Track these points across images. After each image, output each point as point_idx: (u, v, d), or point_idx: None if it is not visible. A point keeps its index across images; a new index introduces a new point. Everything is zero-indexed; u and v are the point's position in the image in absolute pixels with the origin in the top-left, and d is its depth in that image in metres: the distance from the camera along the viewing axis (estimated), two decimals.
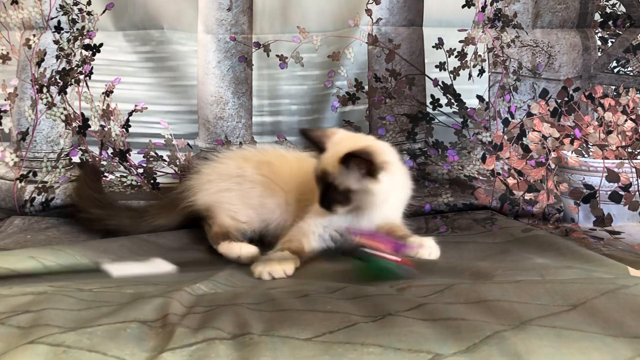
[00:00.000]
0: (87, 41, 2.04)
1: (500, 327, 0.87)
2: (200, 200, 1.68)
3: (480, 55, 2.10)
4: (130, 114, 2.05)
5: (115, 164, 2.03)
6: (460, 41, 2.10)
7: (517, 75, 2.12)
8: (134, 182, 2.03)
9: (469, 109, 2.10)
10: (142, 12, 2.04)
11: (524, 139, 2.09)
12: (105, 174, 2.02)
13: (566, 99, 2.11)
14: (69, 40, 2.04)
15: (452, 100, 2.09)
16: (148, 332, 0.89)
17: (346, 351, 0.82)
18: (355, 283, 1.15)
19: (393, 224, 1.51)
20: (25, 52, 2.03)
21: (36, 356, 0.81)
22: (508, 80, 2.11)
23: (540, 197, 2.04)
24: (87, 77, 2.04)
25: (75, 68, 2.04)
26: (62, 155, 2.02)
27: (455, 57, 2.10)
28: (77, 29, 2.04)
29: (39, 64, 2.03)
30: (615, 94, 2.10)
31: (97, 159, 2.03)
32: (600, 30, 2.12)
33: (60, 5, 2.02)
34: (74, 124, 2.03)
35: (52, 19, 2.03)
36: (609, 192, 2.04)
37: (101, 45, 2.04)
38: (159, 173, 2.04)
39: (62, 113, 2.03)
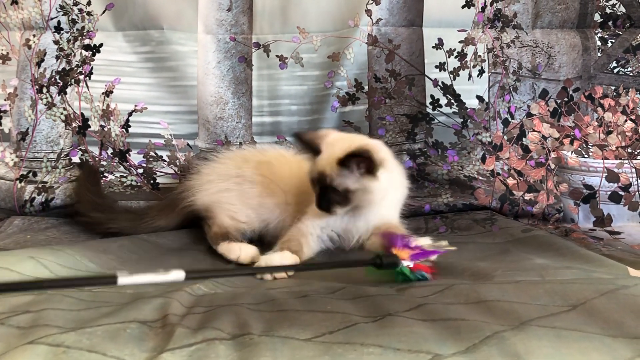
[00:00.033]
0: (87, 41, 2.04)
1: (499, 327, 0.87)
2: (199, 201, 1.68)
3: (480, 56, 2.11)
4: (130, 114, 2.05)
5: (115, 164, 2.03)
6: (460, 41, 2.10)
7: (516, 75, 2.12)
8: (133, 183, 2.03)
9: (468, 110, 2.10)
10: (142, 12, 2.04)
11: (523, 139, 2.09)
12: (105, 175, 2.02)
13: (566, 99, 2.11)
14: (68, 41, 2.04)
15: (452, 101, 2.10)
16: (148, 333, 0.89)
17: (346, 351, 0.82)
18: (358, 284, 1.15)
19: (391, 224, 1.50)
20: (25, 52, 2.03)
21: (36, 356, 0.81)
22: (508, 80, 2.11)
23: (540, 197, 2.04)
24: (87, 78, 2.04)
25: (75, 68, 2.04)
26: (62, 156, 2.02)
27: (455, 57, 2.10)
28: (77, 29, 2.04)
29: (38, 64, 2.03)
30: (615, 94, 2.10)
31: (97, 159, 2.03)
32: (600, 30, 2.12)
33: (60, 5, 2.02)
34: (73, 124, 2.03)
35: (52, 19, 2.03)
36: (608, 193, 2.04)
37: (101, 45, 2.04)
38: (158, 173, 2.04)
39: (62, 113, 2.03)
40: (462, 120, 2.09)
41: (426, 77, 2.10)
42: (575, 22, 2.13)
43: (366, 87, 2.09)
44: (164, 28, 2.05)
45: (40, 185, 1.99)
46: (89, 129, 2.03)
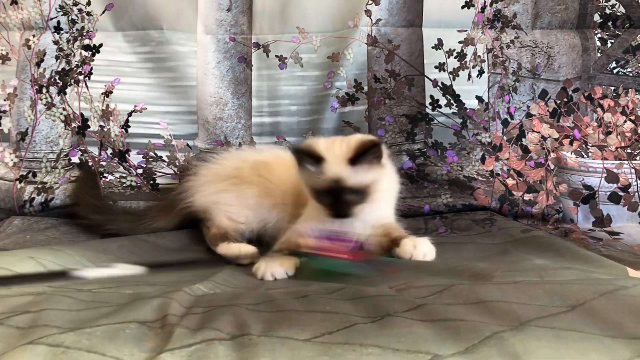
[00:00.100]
0: (86, 41, 2.04)
1: (499, 327, 0.87)
2: (197, 202, 1.68)
3: (479, 56, 2.11)
4: (130, 114, 2.05)
5: (114, 164, 2.03)
6: (459, 42, 2.10)
7: (516, 76, 2.12)
8: (133, 183, 2.03)
9: (468, 110, 2.10)
10: (141, 12, 2.04)
11: (523, 139, 2.10)
12: (105, 175, 2.02)
13: (565, 99, 2.11)
14: (68, 41, 2.04)
15: (452, 101, 2.10)
16: (147, 333, 0.89)
17: (345, 352, 0.82)
18: (358, 284, 1.15)
19: (388, 225, 1.50)
20: (24, 52, 2.03)
21: (35, 356, 0.81)
22: (507, 81, 2.12)
23: (540, 197, 2.04)
24: (87, 78, 2.04)
25: (75, 68, 2.04)
26: (62, 156, 2.02)
27: (455, 57, 2.10)
28: (77, 30, 2.04)
29: (38, 65, 2.03)
30: (614, 94, 2.11)
31: (96, 159, 2.03)
32: (599, 31, 2.13)
33: (59, 5, 2.02)
34: (73, 125, 2.03)
35: (51, 19, 2.03)
36: (608, 193, 2.04)
37: (101, 45, 2.04)
38: (158, 173, 2.04)
39: (61, 113, 2.03)
40: (461, 120, 2.09)
41: (426, 78, 2.10)
42: (574, 22, 2.13)
43: (366, 88, 2.09)
44: (164, 28, 2.05)
45: (39, 186, 1.99)
46: (88, 129, 2.03)
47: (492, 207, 2.03)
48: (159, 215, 1.76)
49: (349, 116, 2.09)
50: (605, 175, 2.05)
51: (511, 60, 2.12)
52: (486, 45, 2.11)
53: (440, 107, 2.10)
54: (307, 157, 1.39)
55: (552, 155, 2.08)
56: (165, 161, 2.05)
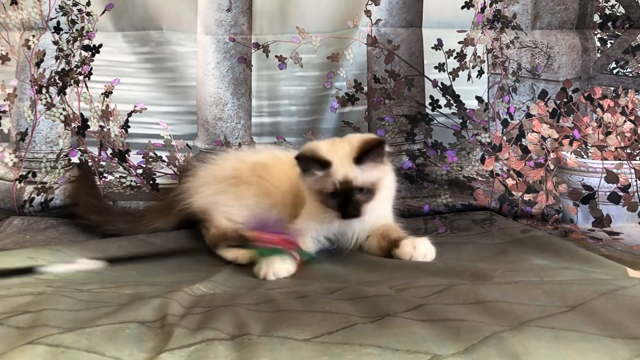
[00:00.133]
0: (86, 42, 2.04)
1: (498, 327, 0.87)
2: (196, 203, 1.68)
3: (479, 57, 2.11)
4: (130, 114, 2.05)
5: (114, 164, 2.03)
6: (459, 42, 2.10)
7: (516, 76, 2.12)
8: (133, 183, 2.03)
9: (468, 110, 2.10)
10: (141, 12, 2.04)
11: (523, 139, 2.10)
12: (105, 175, 2.02)
13: (565, 100, 2.11)
14: (68, 41, 2.04)
15: (451, 101, 2.10)
16: (147, 333, 0.89)
17: (345, 352, 0.83)
18: (357, 284, 1.15)
19: (387, 225, 1.50)
20: (24, 52, 2.03)
21: (35, 357, 0.81)
22: (507, 81, 2.12)
23: (539, 197, 2.04)
24: (87, 78, 2.04)
25: (75, 69, 2.04)
26: (61, 156, 2.02)
27: (455, 58, 2.10)
28: (77, 30, 2.04)
29: (38, 65, 2.03)
30: (614, 95, 2.11)
31: (96, 159, 2.03)
32: (599, 31, 2.13)
33: (59, 5, 2.02)
34: (73, 125, 2.03)
35: (51, 19, 2.03)
36: (607, 193, 2.04)
37: (100, 46, 2.04)
38: (158, 174, 2.04)
39: (61, 114, 2.03)
40: (461, 120, 2.10)
41: (425, 78, 2.10)
42: (574, 23, 2.13)
43: (365, 88, 2.10)
44: (164, 29, 2.05)
45: (39, 186, 1.99)
46: (88, 130, 2.04)
47: (492, 207, 2.03)
48: (157, 216, 1.77)
49: (349, 116, 2.09)
50: (605, 175, 2.05)
51: (511, 61, 2.12)
52: (486, 46, 2.11)
53: (440, 107, 2.10)
54: (313, 163, 1.39)
55: (552, 155, 2.08)
56: (165, 161, 2.05)
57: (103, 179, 2.02)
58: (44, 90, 2.02)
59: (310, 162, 1.40)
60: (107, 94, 2.04)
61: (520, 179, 2.06)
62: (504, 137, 2.10)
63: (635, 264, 1.39)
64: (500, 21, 2.11)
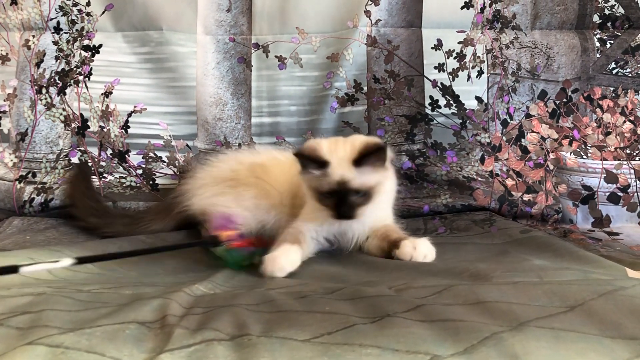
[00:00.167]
0: (86, 42, 2.04)
1: (498, 328, 0.87)
2: (195, 205, 1.68)
3: (479, 57, 2.11)
4: (130, 114, 2.05)
5: (114, 165, 2.04)
6: (459, 42, 2.10)
7: (515, 76, 2.12)
8: (133, 183, 2.03)
9: (467, 110, 2.10)
10: (141, 13, 2.04)
11: (522, 140, 2.10)
12: (104, 175, 2.02)
13: (565, 100, 2.11)
14: (68, 41, 2.04)
15: (451, 102, 2.10)
16: (147, 333, 0.89)
17: (344, 352, 0.83)
18: (357, 284, 1.15)
19: (387, 226, 1.50)
20: (24, 53, 2.03)
21: (35, 357, 0.81)
22: (507, 81, 2.12)
23: (539, 198, 2.04)
24: (86, 78, 2.04)
25: (75, 69, 2.04)
26: (61, 156, 2.02)
27: (454, 58, 2.10)
28: (77, 30, 2.04)
29: (38, 65, 2.03)
30: (613, 95, 2.11)
31: (96, 160, 2.03)
32: (599, 31, 2.13)
33: (59, 6, 2.03)
34: (73, 125, 2.04)
35: (51, 19, 2.03)
36: (607, 194, 2.04)
37: (100, 46, 2.05)
38: (158, 174, 2.05)
39: (61, 114, 2.03)
40: (461, 121, 2.10)
41: (425, 78, 2.10)
42: (574, 23, 2.14)
43: (365, 88, 2.10)
44: (163, 29, 2.05)
45: (39, 186, 1.99)
46: (88, 130, 2.04)
47: (492, 207, 2.03)
48: (156, 219, 1.76)
49: (349, 116, 2.09)
50: (605, 175, 2.05)
51: (510, 61, 2.12)
52: (485, 46, 2.11)
53: (439, 107, 2.10)
54: (311, 161, 1.39)
55: (552, 155, 2.08)
56: (164, 162, 2.05)
57: (103, 179, 2.02)
58: (43, 91, 2.02)
59: (308, 160, 1.40)
60: (107, 94, 2.04)
61: (520, 179, 2.06)
62: (504, 138, 2.10)
63: (634, 264, 1.39)
64: (500, 21, 2.12)
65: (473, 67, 2.11)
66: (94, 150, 2.03)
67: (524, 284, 1.08)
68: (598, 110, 2.10)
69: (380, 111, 2.10)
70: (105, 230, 1.74)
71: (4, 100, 2.03)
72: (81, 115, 2.04)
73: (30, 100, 2.02)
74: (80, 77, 2.04)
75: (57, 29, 2.04)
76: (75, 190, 1.89)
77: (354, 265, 1.41)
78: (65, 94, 2.03)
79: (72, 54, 2.04)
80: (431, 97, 2.10)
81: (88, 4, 2.03)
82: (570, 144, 2.08)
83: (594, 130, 2.09)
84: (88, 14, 2.04)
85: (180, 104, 2.07)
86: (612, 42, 2.12)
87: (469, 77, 2.11)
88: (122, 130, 2.04)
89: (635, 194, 2.04)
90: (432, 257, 1.41)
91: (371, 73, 2.10)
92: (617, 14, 2.11)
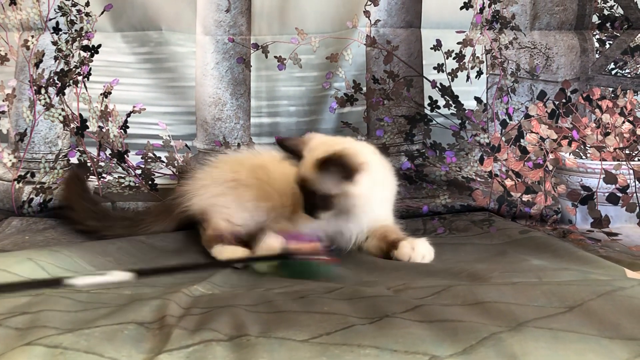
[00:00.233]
0: (85, 42, 2.04)
1: (497, 328, 0.87)
2: (195, 206, 1.68)
3: (478, 57, 2.11)
4: (129, 115, 2.05)
5: (113, 165, 2.03)
6: (458, 43, 2.10)
7: (515, 76, 2.12)
8: (132, 183, 2.03)
9: (466, 111, 2.10)
10: (140, 13, 2.04)
11: (521, 140, 2.10)
12: (104, 175, 2.02)
13: (564, 100, 2.11)
14: (67, 42, 2.04)
15: (450, 102, 2.10)
16: (145, 334, 0.89)
17: (343, 352, 0.83)
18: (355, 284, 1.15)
19: (385, 226, 1.50)
20: (23, 53, 2.03)
21: (33, 357, 0.81)
22: (506, 81, 2.12)
23: (538, 198, 2.04)
24: (86, 78, 2.04)
25: (74, 69, 2.04)
26: (60, 156, 2.02)
27: (453, 58, 2.10)
28: (76, 30, 2.04)
29: (37, 65, 2.03)
30: (612, 95, 2.11)
31: (95, 160, 2.03)
32: (598, 32, 2.13)
33: (58, 6, 2.02)
34: (72, 125, 2.03)
35: (50, 20, 2.03)
36: (606, 194, 2.04)
37: (99, 46, 2.05)
38: (157, 174, 2.04)
39: (60, 114, 2.03)
40: (460, 121, 2.10)
41: (424, 79, 2.10)
42: (573, 23, 2.14)
43: (364, 88, 2.10)
44: (163, 29, 2.05)
45: (38, 186, 1.99)
46: (87, 130, 2.04)
47: (491, 208, 2.03)
48: (156, 220, 1.76)
49: (348, 117, 2.09)
50: (604, 176, 2.05)
51: (510, 61, 2.12)
52: (485, 46, 2.12)
53: (438, 108, 2.10)
54: (288, 152, 1.45)
55: (551, 156, 2.08)
56: (164, 162, 2.05)
57: (102, 179, 2.02)
58: (43, 91, 2.02)
59: (285, 149, 1.46)
60: (106, 94, 2.04)
61: (519, 179, 2.06)
62: (503, 138, 2.10)
63: (633, 264, 1.40)
64: (499, 22, 2.12)
65: (472, 68, 2.11)
66: (93, 151, 2.03)
67: (522, 285, 1.08)
68: (597, 110, 2.10)
69: (379, 111, 2.10)
70: (105, 233, 1.72)
71: (3, 101, 2.02)
72: (80, 115, 2.04)
73: (29, 101, 2.02)
74: (80, 77, 2.04)
75: (56, 29, 2.04)
76: (71, 193, 1.87)
77: (353, 265, 1.41)
78: (64, 94, 2.03)
79: (71, 54, 2.04)
80: (430, 98, 2.10)
81: (87, 4, 2.03)
82: (569, 144, 2.08)
83: (593, 130, 2.09)
84: (87, 14, 2.04)
85: (180, 104, 2.07)
86: (611, 42, 2.12)
87: (468, 77, 2.11)
88: (121, 131, 2.04)
89: (635, 194, 2.04)
90: (430, 257, 1.41)
91: (370, 73, 2.10)
92: (616, 15, 2.11)
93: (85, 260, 1.35)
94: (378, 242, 1.48)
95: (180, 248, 1.64)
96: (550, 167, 2.07)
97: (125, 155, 2.04)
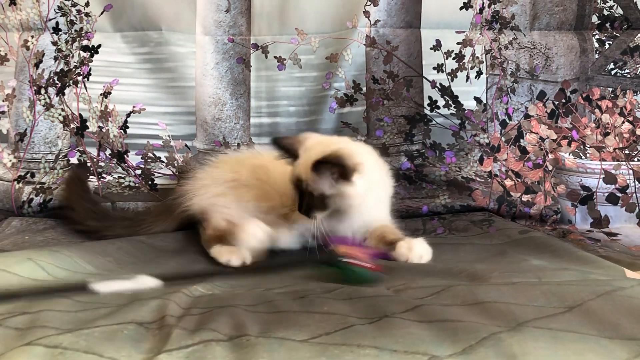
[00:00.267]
0: (85, 42, 2.04)
1: (496, 328, 0.87)
2: (195, 206, 1.68)
3: (477, 57, 2.11)
4: (128, 115, 2.05)
5: (113, 165, 2.03)
6: (458, 43, 2.10)
7: (514, 77, 2.12)
8: (131, 183, 2.03)
9: (466, 111, 2.10)
10: (140, 13, 2.04)
11: (521, 140, 2.10)
12: (103, 175, 2.02)
13: (563, 100, 2.11)
14: (67, 42, 2.04)
15: (450, 102, 2.10)
16: (145, 334, 0.89)
17: (342, 353, 0.83)
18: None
19: (383, 226, 1.50)
20: (23, 53, 2.03)
21: (33, 357, 0.81)
22: (506, 82, 2.12)
23: (538, 198, 2.04)
24: (85, 79, 2.04)
25: (74, 69, 2.04)
26: (60, 156, 2.02)
27: (453, 59, 2.10)
28: (75, 30, 2.04)
29: (37, 65, 2.03)
30: (612, 95, 2.11)
31: (95, 160, 2.03)
32: (597, 32, 2.13)
33: (58, 6, 2.02)
34: (72, 125, 2.03)
35: (50, 20, 2.03)
36: (606, 194, 2.04)
37: (99, 46, 2.05)
38: (157, 174, 2.04)
39: (60, 114, 2.03)
40: (459, 121, 2.10)
41: (424, 79, 2.10)
42: (572, 23, 2.14)
43: (364, 89, 2.10)
44: (163, 29, 2.05)
45: (38, 186, 1.99)
46: (87, 130, 2.04)
47: (490, 208, 2.03)
48: (157, 220, 1.76)
49: (348, 117, 2.09)
50: (603, 176, 2.05)
51: (509, 62, 2.12)
52: (484, 47, 2.12)
53: (438, 108, 2.10)
54: (284, 151, 1.46)
55: (550, 156, 2.08)
56: (163, 162, 2.05)
57: (102, 179, 2.02)
58: (42, 91, 2.02)
59: (281, 149, 1.47)
60: (105, 94, 2.04)
61: (519, 179, 2.06)
62: (503, 138, 2.10)
63: (633, 264, 1.40)
64: (499, 22, 2.12)
65: (472, 68, 2.11)
66: (93, 151, 2.03)
67: (522, 285, 1.08)
68: (597, 110, 2.10)
69: (379, 112, 2.10)
70: (105, 233, 1.72)
71: (3, 101, 2.02)
72: (80, 115, 2.04)
73: (29, 101, 2.02)
74: (79, 78, 2.04)
75: (56, 30, 2.04)
76: (71, 194, 1.87)
77: None
78: (64, 94, 2.03)
79: (71, 55, 2.04)
80: (430, 98, 2.10)
81: (87, 4, 2.03)
82: (569, 144, 2.08)
83: (592, 130, 2.09)
84: (87, 15, 2.04)
85: (179, 104, 2.07)
86: (610, 42, 2.13)
87: (467, 77, 2.11)
88: (121, 131, 2.04)
89: (634, 194, 2.04)
90: (428, 257, 1.41)
91: (370, 73, 2.10)
92: (616, 15, 2.12)
93: (85, 260, 1.35)
94: (376, 243, 1.48)
95: (180, 248, 1.64)
96: (550, 167, 2.07)
97: (125, 156, 2.04)
